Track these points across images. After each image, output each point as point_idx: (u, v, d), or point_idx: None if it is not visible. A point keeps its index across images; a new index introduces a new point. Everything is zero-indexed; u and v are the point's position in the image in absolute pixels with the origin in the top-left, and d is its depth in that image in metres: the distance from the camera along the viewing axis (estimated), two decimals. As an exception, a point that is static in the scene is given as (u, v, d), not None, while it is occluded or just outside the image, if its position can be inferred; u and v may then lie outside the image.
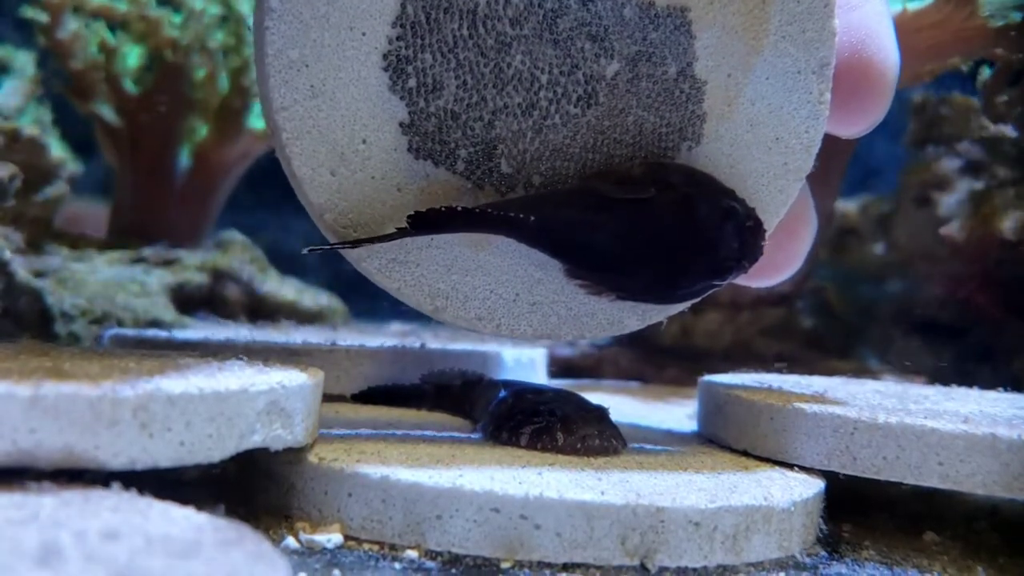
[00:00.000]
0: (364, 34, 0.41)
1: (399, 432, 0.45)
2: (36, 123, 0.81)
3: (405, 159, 0.44)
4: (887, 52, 0.45)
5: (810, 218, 0.49)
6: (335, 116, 0.42)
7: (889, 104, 0.46)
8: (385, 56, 0.42)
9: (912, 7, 0.64)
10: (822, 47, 0.45)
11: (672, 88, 0.45)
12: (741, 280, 0.47)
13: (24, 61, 0.87)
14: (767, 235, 0.45)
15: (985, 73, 0.63)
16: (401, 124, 0.43)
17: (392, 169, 0.44)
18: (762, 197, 0.47)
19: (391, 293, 0.46)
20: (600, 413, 0.46)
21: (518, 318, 0.46)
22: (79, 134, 0.90)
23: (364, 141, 0.43)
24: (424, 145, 0.44)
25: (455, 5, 0.42)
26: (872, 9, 0.46)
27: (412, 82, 0.43)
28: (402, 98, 0.43)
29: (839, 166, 0.76)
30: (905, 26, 0.65)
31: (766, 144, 0.46)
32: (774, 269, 0.49)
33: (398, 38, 0.42)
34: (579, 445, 0.43)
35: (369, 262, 0.45)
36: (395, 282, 0.45)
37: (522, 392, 0.48)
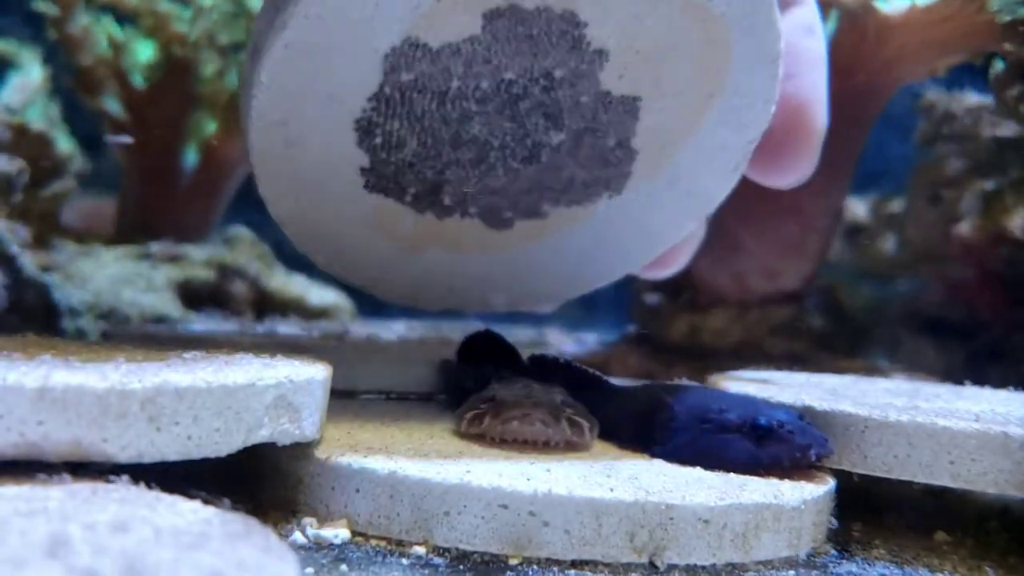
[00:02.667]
0: (342, 104, 0.44)
1: (407, 428, 0.45)
2: (45, 118, 0.82)
3: (361, 192, 0.48)
4: (819, 121, 0.50)
5: (696, 231, 0.55)
6: (304, 162, 0.46)
7: (815, 164, 0.52)
8: (357, 120, 0.45)
9: (922, 2, 0.63)
10: (753, 131, 0.49)
11: (608, 154, 0.49)
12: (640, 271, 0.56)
13: (32, 56, 0.88)
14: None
15: (998, 67, 0.62)
16: (362, 168, 0.47)
17: (348, 198, 0.49)
18: (663, 232, 0.53)
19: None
20: (549, 399, 0.43)
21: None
22: (92, 129, 0.91)
23: (327, 180, 0.48)
24: (379, 184, 0.49)
25: (429, 87, 0.45)
26: (809, 79, 0.50)
27: (378, 140, 0.46)
28: (366, 151, 0.47)
29: (848, 164, 0.75)
30: (915, 21, 0.65)
31: (678, 197, 0.51)
32: (662, 266, 0.56)
33: (372, 108, 0.45)
34: (500, 427, 0.42)
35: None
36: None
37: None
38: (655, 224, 0.53)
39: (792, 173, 0.51)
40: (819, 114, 0.50)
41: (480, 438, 0.43)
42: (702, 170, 0.50)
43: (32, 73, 0.87)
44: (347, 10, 0.40)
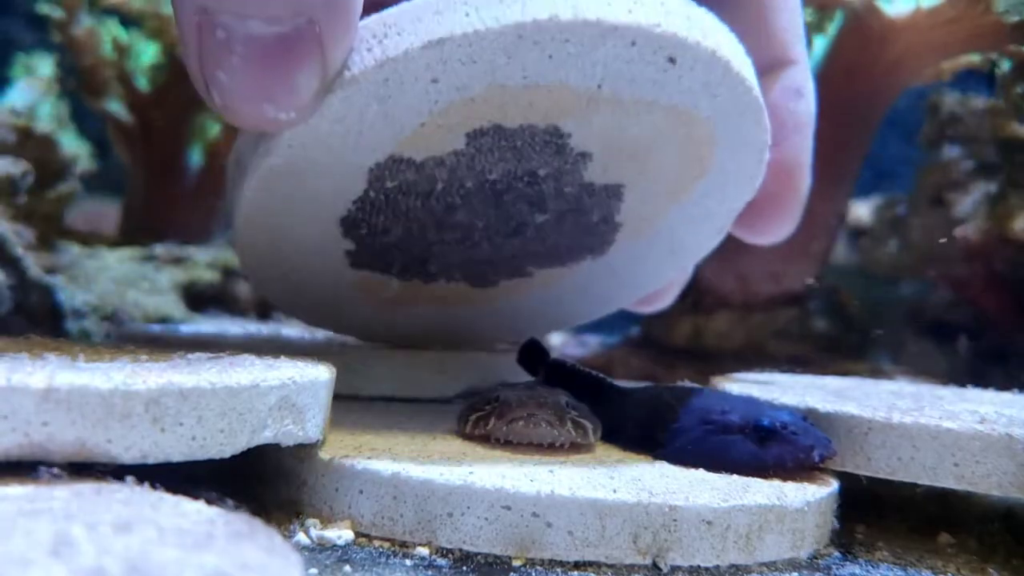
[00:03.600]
0: (326, 206, 0.44)
1: (410, 429, 0.45)
2: (53, 120, 0.82)
3: (346, 268, 0.49)
4: (802, 187, 0.51)
5: (680, 277, 0.58)
6: (289, 250, 0.47)
7: (796, 224, 0.53)
8: (342, 218, 0.45)
9: (926, 5, 0.63)
10: (737, 202, 0.49)
11: (591, 228, 0.49)
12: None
13: (38, 59, 0.88)
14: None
15: (1005, 67, 0.62)
16: (347, 251, 0.48)
17: (333, 273, 0.49)
18: (646, 282, 0.55)
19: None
20: (554, 400, 0.43)
21: None
22: (101, 132, 0.91)
23: (311, 262, 0.48)
24: (364, 261, 0.49)
25: (413, 190, 0.44)
26: (794, 145, 0.51)
27: (363, 231, 0.46)
28: (352, 239, 0.47)
29: (852, 167, 0.75)
30: (919, 24, 0.65)
31: (661, 254, 0.52)
32: (647, 304, 0.59)
33: (357, 208, 0.45)
34: (504, 428, 0.42)
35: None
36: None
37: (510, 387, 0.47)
38: (638, 276, 0.54)
39: (774, 234, 0.53)
40: (803, 180, 0.52)
41: (484, 439, 0.43)
42: (686, 233, 0.51)
43: (40, 74, 0.87)
44: (330, 140, 0.40)
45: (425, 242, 0.48)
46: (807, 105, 0.51)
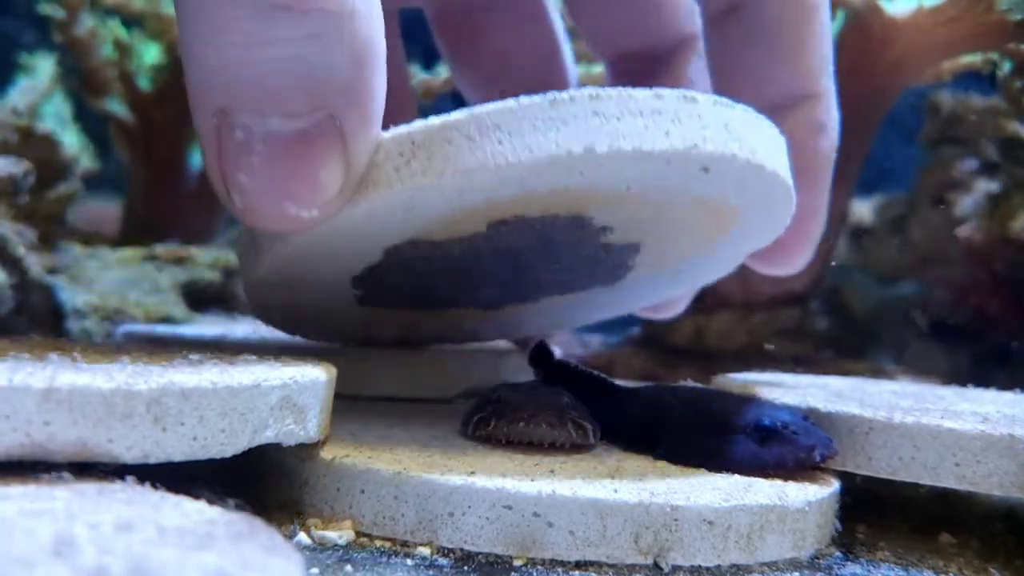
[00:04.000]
0: (341, 270, 0.44)
1: (411, 429, 0.45)
2: (56, 120, 0.82)
3: (354, 306, 0.49)
4: (820, 227, 0.52)
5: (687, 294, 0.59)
6: (300, 300, 0.47)
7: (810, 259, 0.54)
8: (354, 277, 0.45)
9: (928, 3, 0.63)
10: (755, 248, 0.49)
11: (606, 268, 0.49)
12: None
13: (40, 59, 0.88)
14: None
15: (1006, 67, 0.62)
16: (357, 296, 0.47)
17: (341, 311, 0.50)
18: (656, 298, 0.56)
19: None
20: (555, 401, 0.43)
21: None
22: (103, 131, 0.91)
23: (321, 305, 0.48)
24: (373, 301, 0.49)
25: (429, 257, 0.43)
26: (813, 185, 0.50)
27: (374, 285, 0.46)
28: (362, 289, 0.47)
29: (853, 166, 0.75)
30: (921, 23, 0.65)
31: (671, 281, 0.53)
32: (657, 312, 0.60)
33: (370, 271, 0.44)
34: (506, 428, 0.42)
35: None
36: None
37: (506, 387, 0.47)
38: (647, 295, 0.55)
39: (789, 268, 0.53)
40: (820, 221, 0.51)
41: (486, 440, 0.43)
42: (700, 268, 0.51)
43: (41, 74, 0.87)
44: (349, 234, 0.39)
45: (435, 288, 0.48)
46: (829, 141, 0.50)
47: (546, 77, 0.60)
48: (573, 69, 0.62)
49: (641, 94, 0.37)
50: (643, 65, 0.58)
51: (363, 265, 0.43)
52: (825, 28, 0.49)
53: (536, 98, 0.36)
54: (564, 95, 0.36)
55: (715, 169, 0.39)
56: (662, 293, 0.56)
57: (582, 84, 0.66)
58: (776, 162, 0.41)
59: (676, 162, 0.37)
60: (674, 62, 0.57)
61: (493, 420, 0.43)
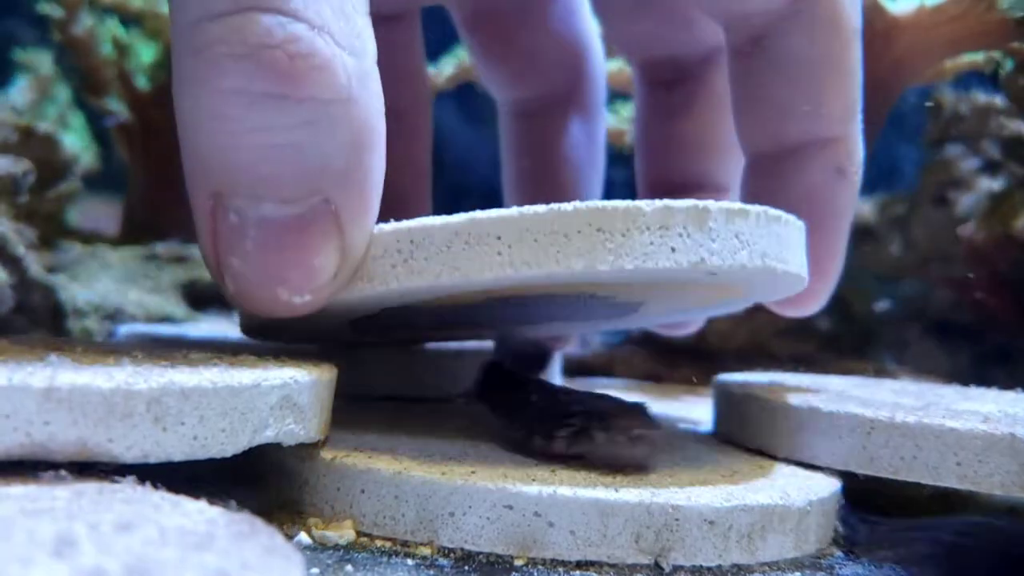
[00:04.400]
0: (338, 319, 0.43)
1: (412, 429, 0.45)
2: (57, 119, 0.82)
3: (348, 332, 0.48)
4: (836, 272, 0.51)
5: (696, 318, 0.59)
6: (295, 331, 0.45)
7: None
8: (352, 322, 0.44)
9: (930, 2, 0.63)
10: (767, 300, 0.49)
11: (613, 312, 0.48)
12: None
13: (39, 58, 0.88)
14: None
15: (1008, 66, 0.62)
16: (352, 329, 0.47)
17: (333, 335, 0.49)
18: (661, 320, 0.56)
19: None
20: (642, 409, 0.40)
21: None
22: (103, 131, 0.91)
23: (315, 335, 0.48)
24: (367, 335, 0.48)
25: (432, 309, 0.43)
26: (831, 231, 0.49)
27: (370, 325, 0.45)
28: (358, 329, 0.46)
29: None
30: (923, 21, 0.64)
31: (670, 311, 0.51)
32: (673, 329, 0.61)
33: (366, 318, 0.44)
34: (611, 445, 0.38)
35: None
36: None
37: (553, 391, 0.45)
38: (660, 320, 0.56)
39: (804, 312, 0.52)
40: (837, 266, 0.50)
41: (575, 458, 0.39)
42: (709, 311, 0.52)
43: (41, 73, 0.87)
44: (343, 304, 0.38)
45: (437, 323, 0.48)
46: (850, 188, 0.48)
47: (576, 75, 0.60)
48: (603, 66, 0.61)
49: (649, 207, 0.36)
50: (673, 72, 0.57)
51: (359, 316, 0.43)
52: (855, 67, 0.46)
53: (539, 209, 0.35)
54: (568, 208, 0.35)
55: (723, 276, 0.38)
56: (674, 319, 0.56)
57: (611, 82, 0.65)
58: (790, 261, 0.40)
59: (681, 273, 0.37)
60: (706, 71, 0.56)
61: (595, 434, 0.39)
